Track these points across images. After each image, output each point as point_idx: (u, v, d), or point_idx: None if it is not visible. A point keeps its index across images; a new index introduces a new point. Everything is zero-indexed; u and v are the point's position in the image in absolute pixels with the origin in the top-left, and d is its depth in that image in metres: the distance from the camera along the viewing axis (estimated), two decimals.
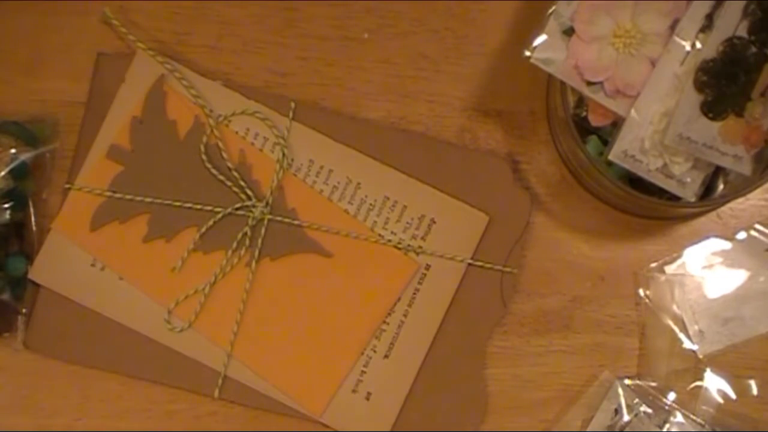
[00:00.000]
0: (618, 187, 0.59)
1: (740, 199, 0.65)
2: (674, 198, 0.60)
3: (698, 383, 0.64)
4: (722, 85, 0.57)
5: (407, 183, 0.64)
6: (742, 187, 0.59)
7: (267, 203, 0.63)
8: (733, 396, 0.64)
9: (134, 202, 0.63)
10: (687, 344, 0.64)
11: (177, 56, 0.65)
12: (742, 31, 0.57)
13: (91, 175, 0.63)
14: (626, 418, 0.63)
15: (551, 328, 0.65)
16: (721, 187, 0.61)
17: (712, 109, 0.57)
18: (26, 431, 0.63)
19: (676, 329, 0.64)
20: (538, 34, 0.58)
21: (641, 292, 0.65)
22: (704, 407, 0.64)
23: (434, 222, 0.64)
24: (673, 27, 0.58)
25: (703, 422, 0.63)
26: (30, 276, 0.63)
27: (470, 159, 0.64)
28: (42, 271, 0.63)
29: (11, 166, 0.62)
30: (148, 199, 0.63)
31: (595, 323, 0.65)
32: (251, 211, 0.63)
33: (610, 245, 0.65)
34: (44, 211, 0.64)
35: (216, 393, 0.62)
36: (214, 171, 0.63)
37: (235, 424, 0.64)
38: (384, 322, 0.63)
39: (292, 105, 0.64)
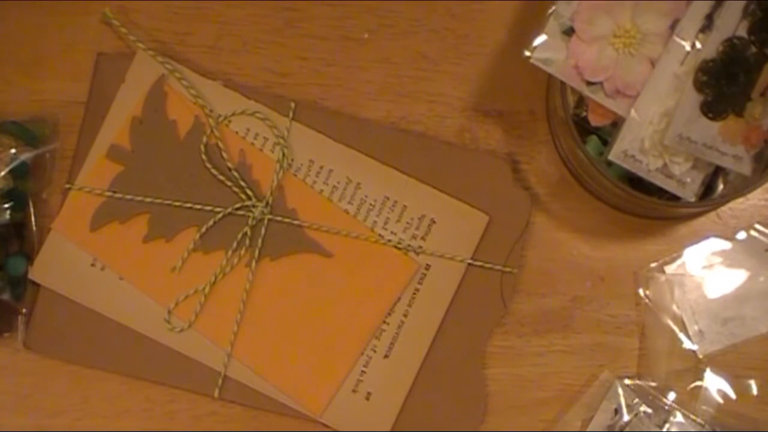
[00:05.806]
0: (618, 187, 0.59)
1: (740, 199, 0.65)
2: (674, 198, 0.59)
3: (698, 383, 0.64)
4: (722, 85, 0.57)
5: (407, 183, 0.64)
6: (742, 187, 0.59)
7: (267, 203, 0.63)
8: (733, 396, 0.64)
9: (134, 202, 0.63)
10: (687, 344, 0.64)
11: (177, 56, 0.65)
12: (742, 31, 0.57)
13: (91, 175, 0.63)
14: (626, 418, 0.63)
15: (551, 328, 0.65)
16: (721, 187, 0.61)
17: (712, 109, 0.57)
18: (26, 431, 0.63)
19: (676, 329, 0.64)
20: (538, 34, 0.58)
21: (641, 292, 0.65)
22: (704, 407, 0.64)
23: (434, 222, 0.64)
24: (673, 27, 0.58)
25: (703, 422, 0.63)
26: (30, 276, 0.63)
27: (470, 159, 0.64)
28: (42, 271, 0.63)
29: (11, 166, 0.62)
30: (148, 199, 0.63)
31: (595, 323, 0.65)
32: (251, 211, 0.63)
33: (610, 245, 0.65)
34: (44, 211, 0.64)
35: (216, 393, 0.63)
36: (214, 171, 0.63)
37: (235, 424, 0.64)
38: (384, 322, 0.63)
39: (292, 105, 0.64)
